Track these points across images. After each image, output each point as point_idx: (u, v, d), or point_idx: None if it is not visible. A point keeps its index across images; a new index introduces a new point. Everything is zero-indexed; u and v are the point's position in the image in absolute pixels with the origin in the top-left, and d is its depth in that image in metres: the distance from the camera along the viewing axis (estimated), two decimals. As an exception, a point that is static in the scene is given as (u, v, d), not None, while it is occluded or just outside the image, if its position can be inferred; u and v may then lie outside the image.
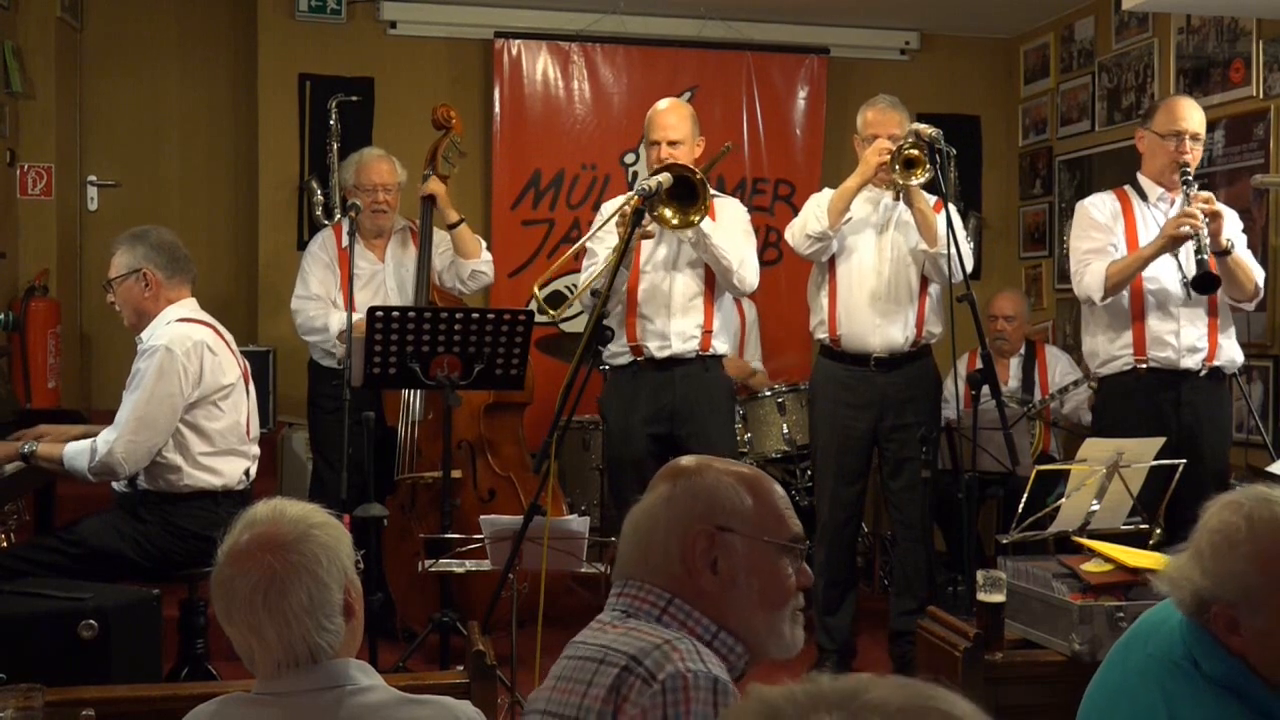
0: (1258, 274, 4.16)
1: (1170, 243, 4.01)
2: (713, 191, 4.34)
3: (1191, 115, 4.12)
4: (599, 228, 4.30)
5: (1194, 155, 4.13)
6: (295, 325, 4.90)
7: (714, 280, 4.34)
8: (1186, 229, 3.93)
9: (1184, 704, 1.81)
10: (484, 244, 4.99)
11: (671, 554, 1.70)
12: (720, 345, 4.40)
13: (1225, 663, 1.80)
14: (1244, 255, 4.15)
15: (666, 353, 4.29)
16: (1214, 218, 3.98)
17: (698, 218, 4.04)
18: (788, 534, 1.75)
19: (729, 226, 4.31)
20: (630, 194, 4.19)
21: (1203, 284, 3.93)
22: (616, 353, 4.33)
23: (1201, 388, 4.14)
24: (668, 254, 4.31)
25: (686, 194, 4.01)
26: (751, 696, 1.01)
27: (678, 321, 4.29)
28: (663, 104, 4.39)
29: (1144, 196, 4.23)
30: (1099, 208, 4.26)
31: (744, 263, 4.28)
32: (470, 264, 4.89)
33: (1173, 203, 4.17)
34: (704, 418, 4.31)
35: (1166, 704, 1.83)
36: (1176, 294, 4.11)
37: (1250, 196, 5.01)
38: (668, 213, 4.01)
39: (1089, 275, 4.18)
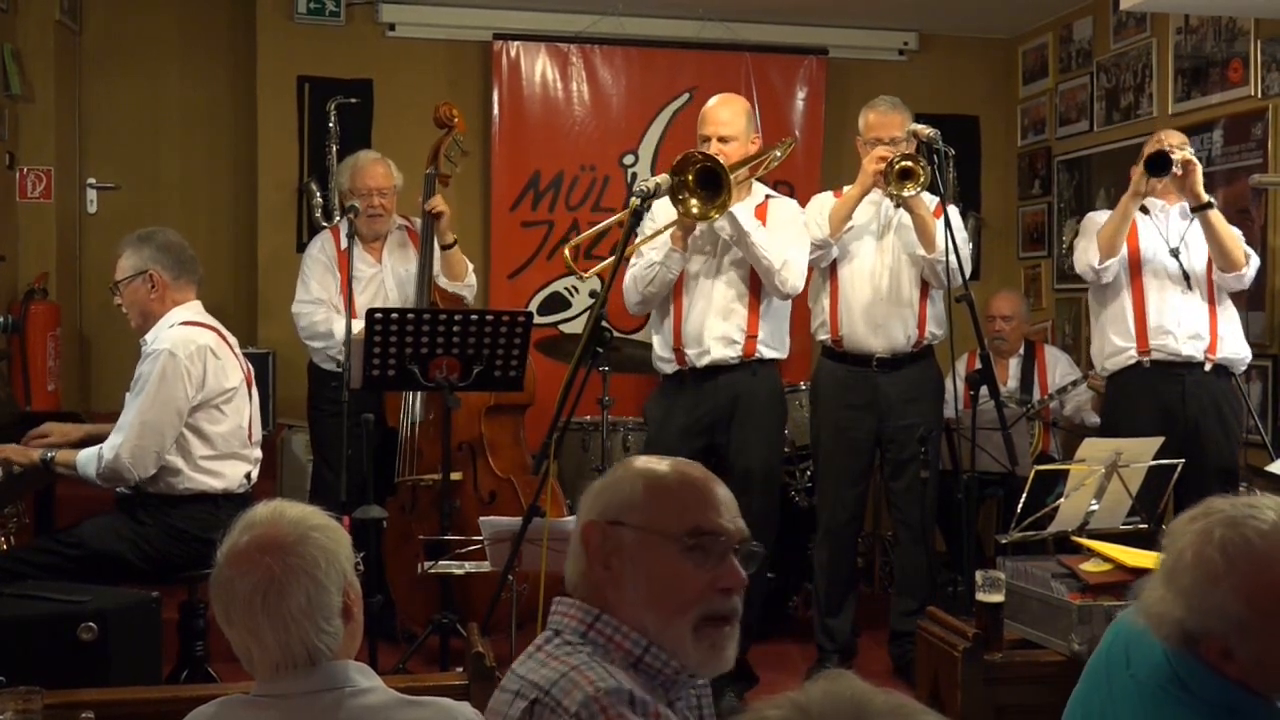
0: (1253, 260, 4.23)
1: (1141, 179, 4.12)
2: (768, 191, 4.31)
3: (1172, 133, 4.32)
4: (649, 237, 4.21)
5: (1188, 152, 4.19)
6: (297, 329, 4.89)
7: (759, 284, 4.20)
8: (1152, 148, 4.11)
9: None
10: (470, 267, 4.97)
11: (579, 557, 1.65)
12: (769, 350, 4.24)
13: (1219, 687, 1.76)
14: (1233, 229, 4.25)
15: (705, 360, 4.16)
16: (1187, 168, 4.08)
17: (717, 215, 3.93)
18: (684, 526, 1.60)
19: (779, 228, 4.20)
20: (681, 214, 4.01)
21: (1154, 163, 4.06)
22: (665, 359, 4.24)
23: (1207, 382, 4.20)
24: (711, 255, 4.22)
25: (712, 185, 3.91)
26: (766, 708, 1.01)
27: (718, 325, 4.17)
28: (715, 99, 4.29)
29: (1145, 211, 4.33)
30: (1102, 214, 4.42)
31: (787, 264, 4.12)
32: (453, 286, 4.86)
33: (1172, 210, 4.25)
34: (744, 426, 4.18)
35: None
36: (1174, 284, 4.21)
37: (1249, 196, 5.01)
38: (693, 202, 3.90)
39: (1081, 250, 4.37)
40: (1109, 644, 1.99)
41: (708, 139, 4.14)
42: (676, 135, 6.03)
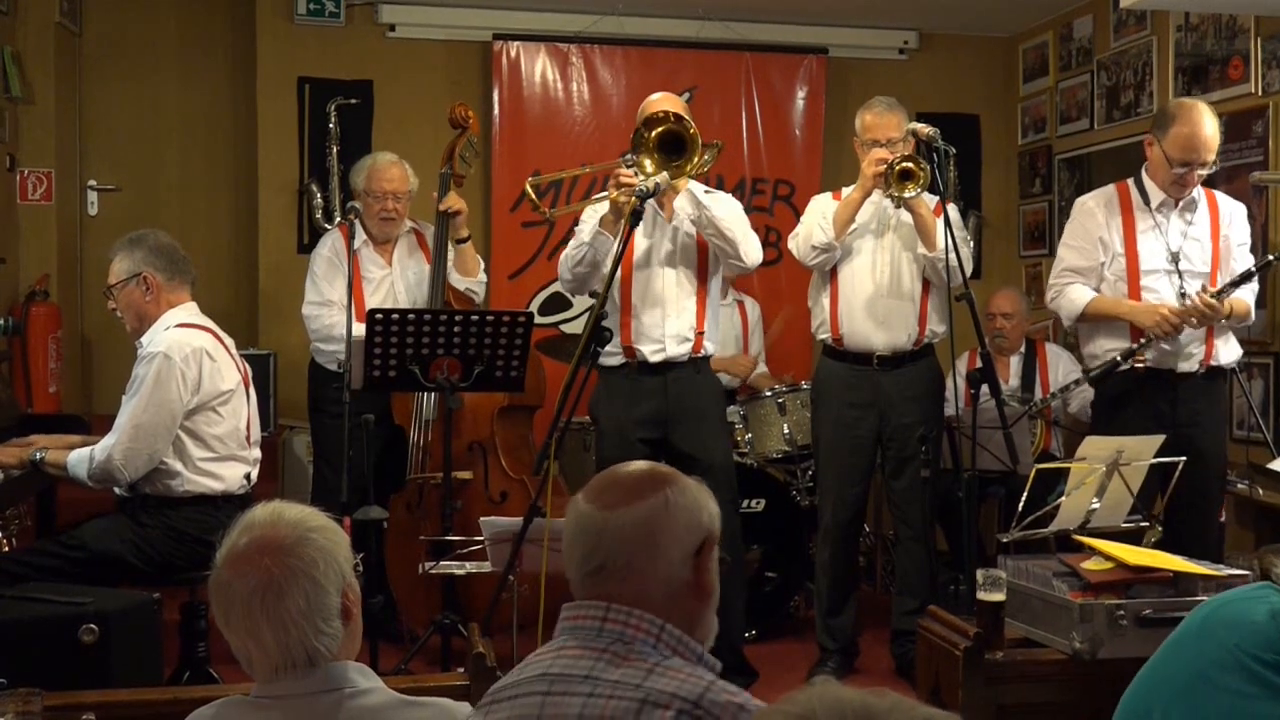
0: (1250, 299, 4.14)
1: (1144, 325, 4.04)
2: (705, 188, 4.33)
3: (1208, 142, 3.96)
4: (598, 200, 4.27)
5: (1203, 175, 4.06)
6: (309, 331, 4.84)
7: (706, 281, 4.29)
8: (1159, 330, 3.99)
9: None
10: (482, 264, 4.98)
11: (681, 566, 1.66)
12: (710, 346, 4.36)
13: None
14: (1241, 291, 4.10)
15: (660, 356, 4.24)
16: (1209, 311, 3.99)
17: (690, 168, 3.99)
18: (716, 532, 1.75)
19: (727, 207, 4.26)
20: (616, 162, 4.13)
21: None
22: (609, 354, 4.26)
23: (1198, 386, 4.12)
24: (659, 254, 4.27)
25: (676, 149, 3.97)
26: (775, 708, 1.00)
27: (672, 323, 4.24)
28: (656, 95, 4.35)
29: (1146, 199, 4.14)
30: (1094, 215, 4.17)
31: (747, 236, 4.23)
32: (466, 281, 4.88)
33: (1176, 205, 4.11)
34: (697, 420, 4.28)
35: (1269, 696, 1.85)
36: (1173, 305, 4.05)
37: (1249, 194, 5.00)
38: (646, 163, 3.96)
39: (1064, 300, 4.18)
40: (1202, 622, 2.01)
41: None
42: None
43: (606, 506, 1.66)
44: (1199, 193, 4.14)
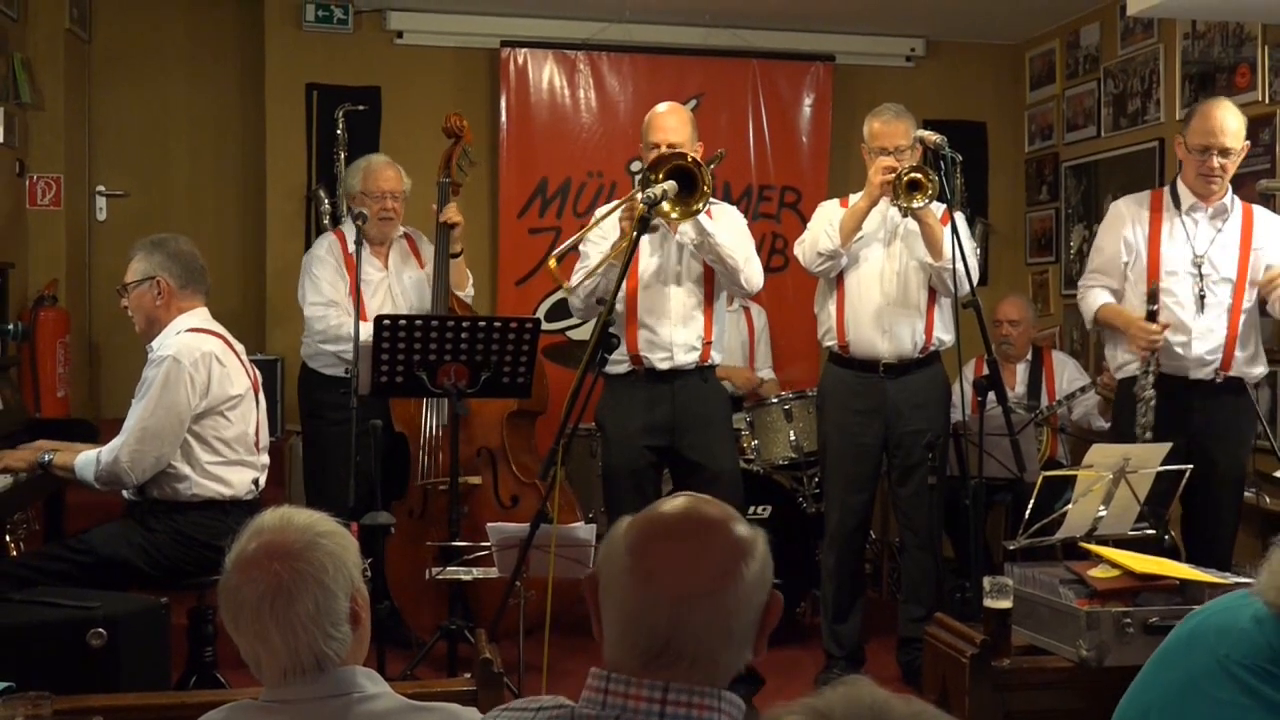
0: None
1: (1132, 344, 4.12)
2: (710, 200, 4.34)
3: (1225, 126, 4.06)
4: (596, 222, 4.26)
5: (1227, 168, 4.10)
6: (314, 333, 4.83)
7: (712, 290, 4.31)
8: (1147, 346, 4.05)
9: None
10: (471, 278, 4.98)
11: (744, 640, 1.50)
12: (717, 355, 4.37)
13: None
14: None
15: (668, 365, 4.25)
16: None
17: (700, 206, 3.97)
18: None
19: (730, 228, 4.27)
20: (628, 196, 4.15)
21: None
22: (616, 362, 4.26)
23: (1215, 395, 4.13)
24: (668, 264, 4.28)
25: (686, 184, 3.95)
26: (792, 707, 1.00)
27: (680, 333, 4.25)
28: (662, 107, 4.35)
29: (1177, 203, 4.20)
30: (1122, 215, 4.28)
31: (749, 260, 4.24)
32: (457, 294, 4.88)
33: (1207, 210, 4.16)
34: (704, 429, 4.29)
35: (1260, 707, 1.83)
36: (1190, 308, 4.12)
37: (1256, 202, 4.99)
38: (665, 207, 3.92)
39: (1084, 304, 4.35)
40: (1190, 632, 2.00)
41: (656, 145, 4.17)
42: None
43: (677, 588, 1.44)
44: (1235, 203, 4.20)
